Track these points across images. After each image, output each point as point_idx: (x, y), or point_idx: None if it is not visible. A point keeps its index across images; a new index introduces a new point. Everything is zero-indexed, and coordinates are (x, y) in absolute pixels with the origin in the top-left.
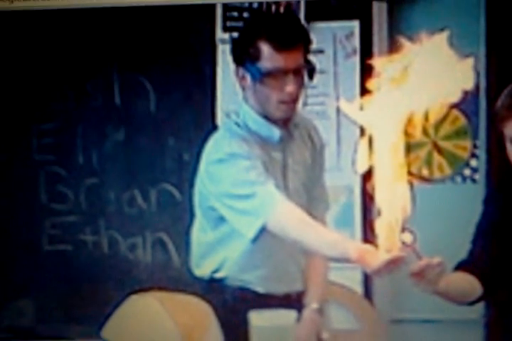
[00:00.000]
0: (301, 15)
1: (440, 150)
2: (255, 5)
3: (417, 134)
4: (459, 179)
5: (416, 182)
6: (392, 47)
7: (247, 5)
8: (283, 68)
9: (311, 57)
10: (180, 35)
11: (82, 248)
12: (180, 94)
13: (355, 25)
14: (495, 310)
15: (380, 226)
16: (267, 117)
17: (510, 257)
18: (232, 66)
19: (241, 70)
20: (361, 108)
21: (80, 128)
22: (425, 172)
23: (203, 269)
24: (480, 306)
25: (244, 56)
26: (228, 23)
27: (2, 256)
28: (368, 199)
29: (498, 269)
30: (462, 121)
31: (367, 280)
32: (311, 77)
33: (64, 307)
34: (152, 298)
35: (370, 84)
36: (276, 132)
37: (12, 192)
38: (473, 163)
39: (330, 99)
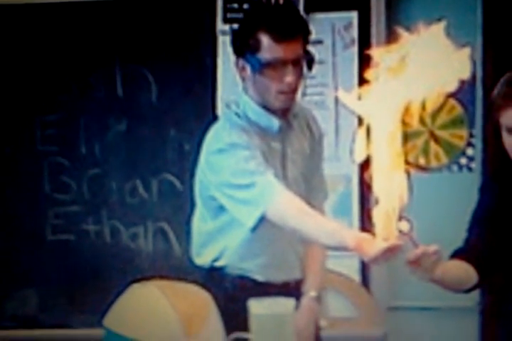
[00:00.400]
0: (300, 7)
1: (437, 139)
2: None
3: (414, 123)
4: (455, 168)
5: (413, 171)
6: (390, 38)
7: None
8: (282, 59)
9: (310, 48)
10: (181, 26)
11: (85, 237)
12: (181, 85)
13: (354, 16)
14: (490, 298)
15: (377, 214)
16: (266, 107)
17: (505, 245)
18: (232, 57)
19: (241, 61)
20: (359, 98)
21: (82, 119)
22: (422, 161)
23: (203, 258)
24: (476, 294)
25: (244, 47)
26: (228, 15)
27: (6, 246)
28: (365, 188)
29: (493, 257)
30: (459, 110)
31: (364, 268)
32: (309, 67)
33: (67, 296)
34: (153, 287)
35: (368, 74)
36: (275, 122)
37: (16, 183)
38: (470, 151)
39: (328, 89)
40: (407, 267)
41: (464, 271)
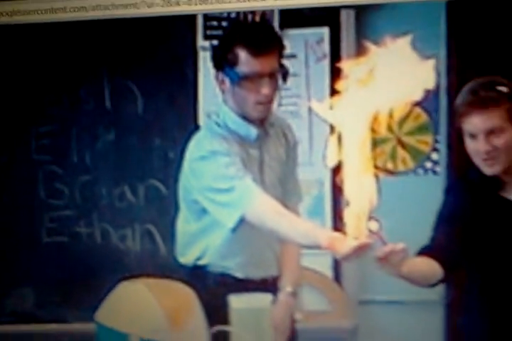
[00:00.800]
0: (275, 23)
1: (404, 145)
2: (233, 15)
3: (382, 131)
4: (421, 171)
5: (381, 175)
6: (359, 51)
7: (225, 15)
8: (259, 72)
9: (285, 62)
10: (164, 43)
11: (78, 239)
12: (165, 97)
13: (325, 31)
14: (454, 292)
15: (348, 215)
16: (244, 117)
17: (468, 242)
18: (212, 71)
19: (220, 75)
20: (331, 107)
21: (74, 130)
22: (390, 165)
23: (187, 257)
24: (441, 288)
25: (224, 61)
26: (208, 32)
27: (5, 248)
28: (337, 191)
29: (457, 254)
30: (424, 117)
31: (336, 265)
32: (284, 79)
33: (61, 293)
34: (141, 284)
35: (339, 85)
36: (253, 131)
37: (13, 190)
38: (435, 156)
39: (302, 100)
40: (377, 263)
41: (430, 267)
